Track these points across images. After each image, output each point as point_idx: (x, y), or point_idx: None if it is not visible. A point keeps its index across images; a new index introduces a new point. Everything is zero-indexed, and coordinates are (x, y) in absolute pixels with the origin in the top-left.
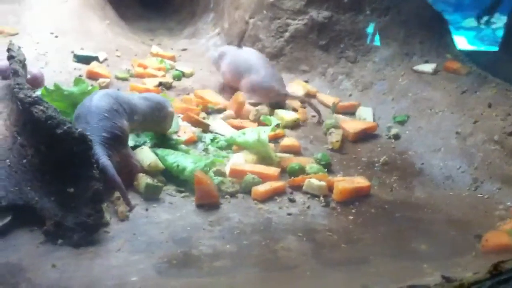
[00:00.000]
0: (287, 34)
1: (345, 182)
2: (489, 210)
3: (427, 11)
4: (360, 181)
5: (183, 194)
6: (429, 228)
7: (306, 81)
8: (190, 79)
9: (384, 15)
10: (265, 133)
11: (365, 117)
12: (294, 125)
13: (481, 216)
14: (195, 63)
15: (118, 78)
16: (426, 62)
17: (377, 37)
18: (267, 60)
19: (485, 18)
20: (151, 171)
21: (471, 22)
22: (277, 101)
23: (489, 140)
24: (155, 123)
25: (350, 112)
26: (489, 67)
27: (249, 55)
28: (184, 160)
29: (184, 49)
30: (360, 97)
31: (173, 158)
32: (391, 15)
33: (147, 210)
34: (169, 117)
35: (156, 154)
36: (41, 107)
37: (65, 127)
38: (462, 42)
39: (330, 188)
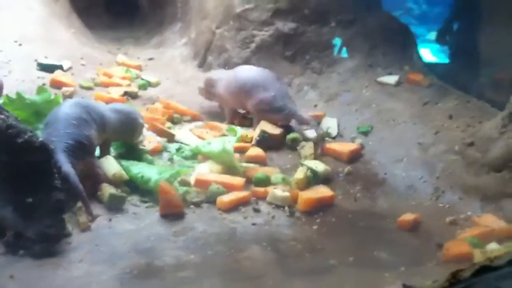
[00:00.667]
0: (253, 45)
1: (309, 192)
2: (450, 220)
3: (391, 24)
4: (324, 191)
5: (147, 204)
6: (392, 237)
7: None
8: (156, 88)
9: (349, 27)
10: (230, 143)
11: (329, 127)
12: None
13: (443, 225)
14: (162, 72)
15: (82, 87)
16: (390, 74)
17: (342, 49)
18: (275, 76)
19: (445, 37)
20: (115, 181)
21: (435, 35)
22: (288, 122)
23: (449, 150)
24: (125, 134)
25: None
26: (448, 79)
27: (255, 72)
28: (149, 171)
29: (151, 59)
30: (325, 108)
31: (138, 168)
32: (355, 27)
33: (110, 220)
34: (139, 128)
35: (121, 165)
36: (2, 116)
37: (25, 136)
38: (427, 54)
39: (295, 199)
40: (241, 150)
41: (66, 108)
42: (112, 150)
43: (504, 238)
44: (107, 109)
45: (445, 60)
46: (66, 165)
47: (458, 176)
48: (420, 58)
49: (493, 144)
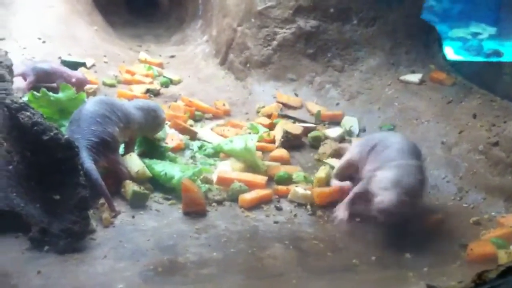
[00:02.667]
0: (274, 43)
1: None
2: (474, 220)
3: (414, 21)
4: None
5: (170, 202)
6: (415, 237)
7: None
8: (178, 86)
9: (371, 25)
10: (252, 141)
11: (352, 126)
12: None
13: (466, 225)
14: (183, 70)
15: (105, 85)
16: (413, 72)
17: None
18: None
19: None
20: (138, 179)
21: (457, 32)
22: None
23: (473, 150)
24: (149, 129)
25: (335, 121)
26: (474, 78)
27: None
28: (172, 169)
29: (172, 56)
30: (346, 106)
31: (161, 166)
32: (377, 25)
33: (133, 217)
34: (162, 122)
35: (144, 162)
36: (28, 113)
37: (51, 133)
38: (449, 52)
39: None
40: (263, 149)
41: (90, 106)
42: (135, 148)
43: None
44: (131, 106)
45: (469, 58)
46: (88, 162)
47: (482, 176)
48: (443, 56)
49: None
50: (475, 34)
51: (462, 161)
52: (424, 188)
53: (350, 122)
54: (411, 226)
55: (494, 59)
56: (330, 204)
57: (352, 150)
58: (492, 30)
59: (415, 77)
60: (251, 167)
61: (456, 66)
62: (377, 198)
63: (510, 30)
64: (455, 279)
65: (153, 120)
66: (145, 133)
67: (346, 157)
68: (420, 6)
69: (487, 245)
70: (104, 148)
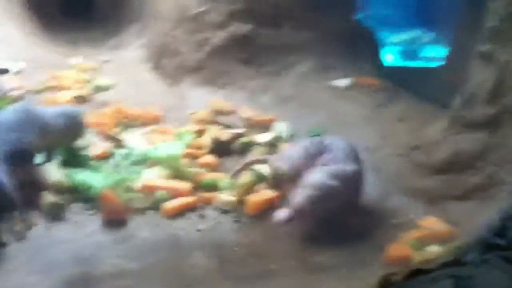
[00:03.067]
0: (207, 48)
1: (255, 196)
2: (394, 222)
3: (346, 27)
4: (267, 193)
5: (90, 212)
6: (336, 241)
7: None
8: (110, 91)
9: (304, 30)
10: (178, 148)
11: (281, 131)
12: None
13: (387, 228)
14: (117, 75)
15: (33, 90)
16: (343, 77)
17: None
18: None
19: None
20: (57, 189)
21: (397, 38)
22: None
23: (396, 153)
24: (68, 137)
25: (267, 127)
26: (405, 83)
27: None
28: (93, 178)
29: (106, 61)
30: (279, 111)
31: (82, 176)
32: (310, 30)
33: (50, 229)
34: (82, 130)
35: (64, 172)
36: None
37: None
38: (388, 57)
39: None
40: (191, 156)
41: (6, 114)
42: (55, 156)
43: (446, 241)
44: (50, 113)
45: (407, 63)
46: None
47: (403, 179)
48: (381, 61)
49: (438, 147)
50: (415, 40)
51: (386, 164)
52: (347, 193)
53: (281, 127)
54: (332, 229)
55: (432, 64)
56: (261, 212)
57: (293, 159)
58: (431, 35)
59: (344, 82)
60: (177, 175)
61: (391, 71)
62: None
63: (448, 35)
64: (370, 281)
65: (74, 127)
66: (65, 141)
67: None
68: (352, 12)
69: (403, 247)
70: (20, 157)
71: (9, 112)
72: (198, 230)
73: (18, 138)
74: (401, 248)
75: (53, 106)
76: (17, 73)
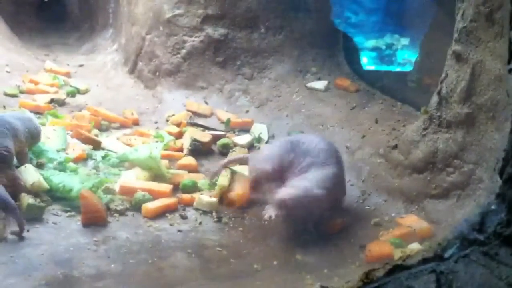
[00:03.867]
0: (184, 51)
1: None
2: (375, 221)
3: (321, 30)
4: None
5: (68, 214)
6: (317, 240)
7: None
8: (85, 95)
9: (279, 33)
10: (157, 149)
11: (261, 133)
12: None
13: (368, 227)
14: (92, 79)
15: (6, 95)
16: (319, 79)
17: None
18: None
19: None
20: (34, 191)
21: (373, 43)
22: None
23: (375, 154)
24: (32, 139)
25: (245, 129)
26: (381, 85)
27: None
28: (71, 180)
29: (81, 65)
30: (256, 113)
31: (59, 178)
32: (285, 33)
33: (28, 231)
34: (40, 131)
35: (42, 174)
36: None
37: None
38: (364, 61)
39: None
40: (170, 157)
41: None
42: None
43: (425, 238)
44: (12, 117)
45: (383, 67)
46: None
47: (383, 179)
48: (351, 64)
49: (415, 146)
50: (389, 45)
51: (365, 164)
52: (331, 199)
53: (259, 129)
54: (314, 229)
55: (407, 69)
56: (237, 209)
57: (273, 158)
58: (405, 40)
59: (321, 84)
60: (157, 176)
61: (367, 74)
62: None
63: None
64: (352, 278)
65: (34, 129)
66: (29, 144)
67: (266, 168)
68: (327, 15)
69: (384, 245)
70: (2, 163)
71: None
72: (179, 231)
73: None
74: (382, 246)
75: (11, 113)
76: None
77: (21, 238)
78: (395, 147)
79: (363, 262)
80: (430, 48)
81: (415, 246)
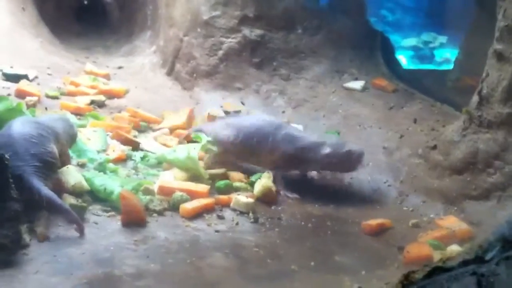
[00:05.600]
0: (221, 52)
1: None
2: (413, 222)
3: (358, 30)
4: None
5: (109, 214)
6: (355, 241)
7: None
8: (125, 97)
9: (316, 33)
10: (195, 150)
11: None
12: None
13: (406, 228)
14: (130, 81)
15: (48, 97)
16: (356, 79)
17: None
18: None
19: None
20: (75, 192)
21: (409, 41)
22: None
23: (413, 154)
24: (69, 140)
25: None
26: (421, 85)
27: None
28: (112, 183)
29: (120, 67)
30: (293, 114)
31: (101, 180)
32: (322, 33)
33: (70, 230)
34: (76, 132)
35: (83, 175)
36: None
37: None
38: (402, 60)
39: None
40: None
41: (20, 128)
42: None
43: (465, 240)
44: (53, 120)
45: (421, 66)
46: (43, 189)
47: (421, 180)
48: (388, 63)
49: (455, 147)
50: (426, 43)
51: (403, 165)
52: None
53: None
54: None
55: (445, 67)
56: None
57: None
58: (443, 39)
59: (358, 84)
60: (194, 177)
61: (405, 73)
62: None
63: (460, 38)
64: (390, 281)
65: (72, 130)
66: (69, 145)
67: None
68: (363, 15)
69: (423, 247)
70: (48, 170)
71: (20, 126)
72: (217, 231)
73: (42, 150)
74: (421, 248)
75: (51, 116)
76: (32, 80)
77: (81, 235)
78: (434, 147)
79: (402, 264)
80: (471, 47)
81: (454, 248)
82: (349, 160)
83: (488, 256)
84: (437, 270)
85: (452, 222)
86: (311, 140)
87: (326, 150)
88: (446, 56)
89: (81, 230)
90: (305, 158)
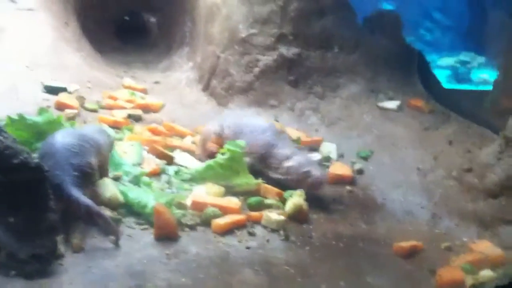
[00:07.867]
0: (257, 69)
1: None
2: (445, 245)
3: (395, 49)
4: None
5: (142, 227)
6: (386, 263)
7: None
8: (161, 111)
9: (353, 52)
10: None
11: (330, 152)
12: None
13: (438, 251)
14: (167, 95)
15: (86, 109)
16: (392, 99)
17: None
18: None
19: None
20: (111, 204)
21: (446, 61)
22: None
23: (448, 176)
24: (108, 152)
25: (315, 147)
26: (457, 106)
27: None
28: (146, 197)
29: (157, 82)
30: (326, 132)
31: (135, 193)
32: (359, 52)
33: (104, 242)
34: (113, 144)
35: (118, 188)
36: (0, 137)
37: (21, 157)
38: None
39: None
40: None
41: (62, 138)
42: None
43: (498, 265)
44: (95, 132)
45: (454, 86)
46: (82, 198)
47: (455, 202)
48: (425, 83)
49: (490, 170)
50: (464, 63)
51: (437, 187)
52: None
53: (328, 148)
54: (382, 250)
55: (483, 88)
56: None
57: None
58: (481, 59)
59: (393, 104)
60: (228, 191)
61: (442, 93)
62: None
63: (498, 59)
64: None
65: (110, 142)
66: (107, 157)
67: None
68: (400, 34)
69: (456, 271)
70: (86, 180)
71: (63, 136)
72: (248, 248)
73: (82, 161)
74: (454, 272)
75: (92, 127)
76: (72, 93)
77: (117, 245)
78: (469, 170)
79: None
80: (510, 68)
81: (486, 273)
82: (304, 181)
83: None
84: None
85: (485, 247)
86: (282, 150)
87: (289, 163)
88: (484, 76)
89: (117, 239)
90: (269, 163)
